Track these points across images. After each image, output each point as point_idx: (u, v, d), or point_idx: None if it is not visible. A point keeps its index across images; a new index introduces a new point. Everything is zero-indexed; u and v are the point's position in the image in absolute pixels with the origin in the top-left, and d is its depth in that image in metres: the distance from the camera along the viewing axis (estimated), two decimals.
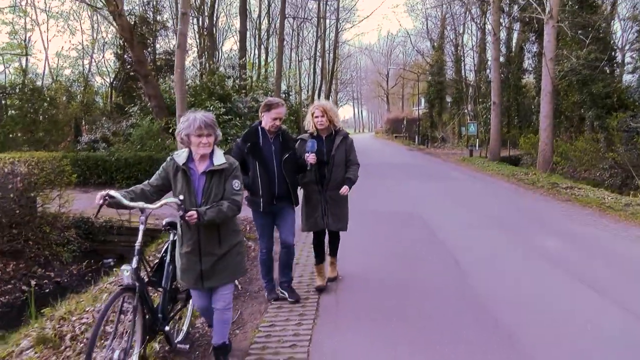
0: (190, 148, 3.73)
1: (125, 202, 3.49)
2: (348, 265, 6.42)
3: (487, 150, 27.46)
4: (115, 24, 17.77)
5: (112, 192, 3.48)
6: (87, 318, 4.91)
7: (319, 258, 5.83)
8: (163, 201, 3.65)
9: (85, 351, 3.20)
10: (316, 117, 5.38)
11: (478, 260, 6.85)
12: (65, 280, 9.38)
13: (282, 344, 4.33)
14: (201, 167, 3.74)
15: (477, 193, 13.89)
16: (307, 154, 5.10)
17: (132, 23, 17.96)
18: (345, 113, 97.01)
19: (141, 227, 3.57)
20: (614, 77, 24.10)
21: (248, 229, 8.64)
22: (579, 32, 21.26)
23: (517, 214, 10.57)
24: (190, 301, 4.47)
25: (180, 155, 3.75)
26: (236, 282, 5.99)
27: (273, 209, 5.16)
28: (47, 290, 8.72)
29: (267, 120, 5.00)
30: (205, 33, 27.52)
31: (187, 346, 4.28)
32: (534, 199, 12.75)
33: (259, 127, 5.11)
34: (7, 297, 8.13)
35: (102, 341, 3.93)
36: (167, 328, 3.97)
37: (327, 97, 47.94)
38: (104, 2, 18.08)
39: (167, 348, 4.16)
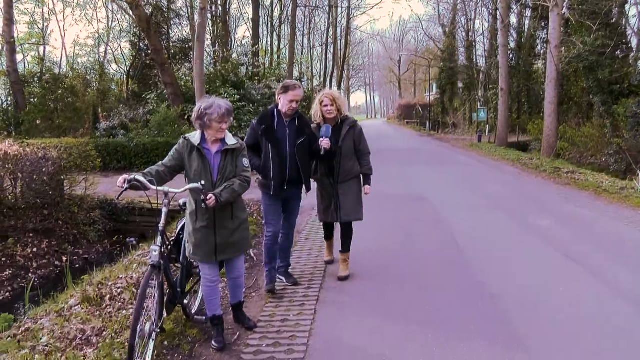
0: (203, 131, 3.94)
1: (152, 185, 3.71)
2: (357, 238, 6.19)
3: (495, 136, 27.85)
4: (132, 15, 18.28)
5: (137, 176, 3.69)
6: (122, 283, 5.59)
7: (328, 232, 5.95)
8: (186, 187, 3.87)
9: (131, 326, 3.46)
10: (325, 105, 5.29)
11: (474, 237, 7.46)
12: (93, 257, 10.10)
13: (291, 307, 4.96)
14: (214, 147, 3.97)
15: (482, 177, 14.45)
16: (321, 139, 5.02)
17: (149, 13, 18.39)
18: (357, 99, 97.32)
19: (164, 210, 3.80)
20: (628, 61, 24.22)
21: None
22: (590, 17, 21.52)
23: (517, 196, 11.14)
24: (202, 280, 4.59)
25: (194, 137, 3.96)
26: (252, 253, 6.66)
27: (282, 194, 5.11)
28: (77, 266, 9.46)
29: (284, 103, 4.97)
30: (219, 21, 27.98)
31: (204, 317, 4.44)
32: (535, 182, 13.30)
33: (275, 110, 5.08)
34: (43, 270, 8.89)
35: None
36: (185, 301, 4.33)
37: (339, 84, 48.42)
38: None
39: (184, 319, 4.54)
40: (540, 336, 4.10)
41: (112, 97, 29.25)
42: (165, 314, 4.08)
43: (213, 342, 4.12)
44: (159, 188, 3.76)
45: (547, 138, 19.91)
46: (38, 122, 22.50)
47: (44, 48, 34.56)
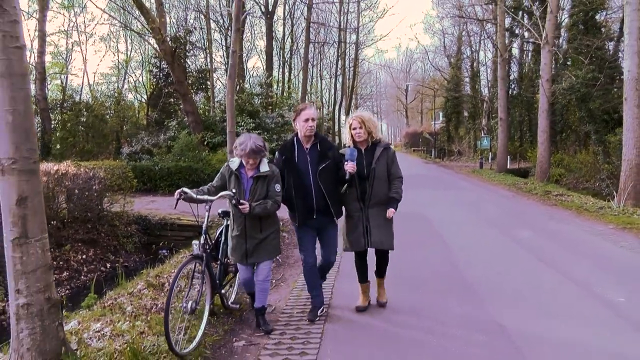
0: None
1: (195, 196, 4.64)
2: None
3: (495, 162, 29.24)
4: (159, 49, 19.97)
5: (186, 189, 4.66)
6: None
7: (362, 276, 5.49)
8: (220, 194, 4.74)
9: (166, 296, 4.44)
10: (354, 128, 5.10)
11: (464, 245, 8.81)
12: (132, 265, 11.49)
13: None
14: (250, 172, 4.74)
15: (478, 199, 15.81)
16: (346, 162, 4.89)
17: (174, 48, 20.10)
18: None
19: (206, 214, 4.69)
20: (619, 93, 25.63)
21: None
22: (584, 51, 22.99)
23: (507, 214, 12.49)
24: (238, 273, 5.51)
25: (234, 162, 4.78)
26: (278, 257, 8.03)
27: (314, 224, 5.08)
28: (119, 272, 10.84)
29: (301, 126, 4.93)
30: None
31: (237, 305, 5.51)
32: (526, 203, 14.66)
33: (295, 139, 5.06)
34: (92, 274, 10.26)
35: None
36: (223, 291, 5.27)
37: (347, 112, 50.03)
38: (149, 30, 20.40)
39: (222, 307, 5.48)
40: (500, 297, 5.43)
41: (130, 124, 31.04)
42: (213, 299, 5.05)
43: (262, 328, 4.96)
44: (199, 197, 4.65)
45: (540, 164, 21.34)
46: (69, 146, 24.24)
47: (67, 77, 36.61)
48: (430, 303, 5.67)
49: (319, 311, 5.24)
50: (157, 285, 6.52)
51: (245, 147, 4.55)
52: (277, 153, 5.19)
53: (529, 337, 4.62)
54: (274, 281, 6.77)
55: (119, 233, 11.99)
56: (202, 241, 4.67)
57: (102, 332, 4.85)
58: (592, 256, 7.90)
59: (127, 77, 39.92)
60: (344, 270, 6.92)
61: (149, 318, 5.16)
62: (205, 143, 21.52)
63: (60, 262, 9.91)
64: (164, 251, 12.96)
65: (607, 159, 21.94)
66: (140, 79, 36.93)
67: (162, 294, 6.15)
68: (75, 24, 35.75)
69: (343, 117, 52.91)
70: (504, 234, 9.70)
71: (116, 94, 33.94)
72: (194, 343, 4.44)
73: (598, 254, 8.12)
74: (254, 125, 22.02)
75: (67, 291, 9.29)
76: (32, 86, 29.55)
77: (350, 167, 4.85)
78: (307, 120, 4.89)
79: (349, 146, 5.13)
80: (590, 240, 9.15)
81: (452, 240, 9.19)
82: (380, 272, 5.55)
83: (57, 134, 25.37)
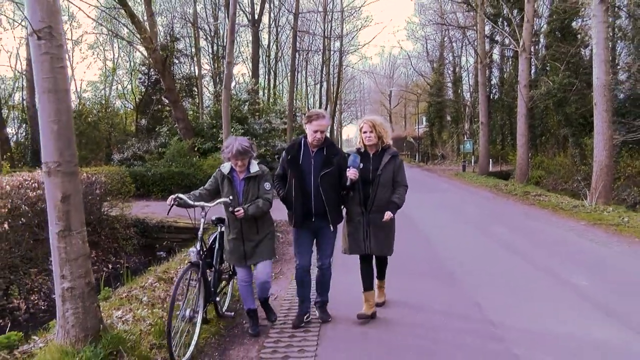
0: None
1: (190, 202, 4.65)
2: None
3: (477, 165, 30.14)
4: (150, 58, 20.51)
5: (181, 195, 4.67)
6: (178, 272, 7.56)
7: (366, 284, 5.35)
8: (217, 201, 4.82)
9: (168, 308, 4.46)
10: (364, 132, 5.07)
11: (443, 239, 9.58)
12: (132, 266, 12.02)
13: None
14: (241, 175, 4.85)
15: (459, 200, 16.62)
16: (348, 169, 4.88)
17: (164, 57, 20.65)
18: (349, 132, 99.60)
19: (202, 220, 4.79)
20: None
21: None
22: (561, 58, 23.94)
23: (485, 213, 13.27)
24: (232, 280, 5.73)
25: (225, 167, 4.87)
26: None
27: (311, 226, 5.04)
28: (121, 272, 11.39)
29: (309, 133, 4.91)
30: (223, 61, 30.31)
31: (232, 313, 5.48)
32: (505, 203, 15.47)
33: (303, 140, 5.04)
34: (96, 274, 10.74)
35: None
36: (217, 299, 5.21)
37: (332, 118, 50.77)
38: (139, 38, 20.93)
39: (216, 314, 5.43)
40: (477, 283, 6.12)
41: (118, 131, 31.41)
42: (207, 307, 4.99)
43: (249, 330, 5.05)
44: (196, 203, 4.70)
45: (519, 166, 22.20)
46: None
47: None
48: (416, 287, 6.37)
49: (305, 317, 5.25)
50: (166, 279, 7.13)
51: (232, 148, 4.66)
52: (284, 151, 5.17)
53: (500, 311, 5.36)
54: (273, 274, 7.37)
55: (118, 236, 12.50)
56: (197, 248, 4.72)
57: (125, 318, 5.45)
58: (562, 248, 8.66)
59: (114, 84, 40.32)
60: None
61: (164, 306, 5.76)
62: (196, 149, 22.05)
63: None
64: (162, 253, 13.54)
65: (583, 160, 22.90)
66: (129, 86, 37.26)
67: (173, 286, 6.75)
68: (63, 32, 36.00)
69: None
70: (482, 232, 10.42)
71: (103, 101, 34.32)
72: (189, 352, 4.48)
73: (567, 246, 8.89)
74: (242, 131, 22.57)
75: None
76: (24, 94, 30.10)
77: (352, 174, 4.83)
78: (316, 131, 4.85)
79: (359, 149, 5.16)
80: (562, 235, 9.91)
81: (435, 238, 9.88)
82: (381, 274, 5.68)
83: None
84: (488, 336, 4.74)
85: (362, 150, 5.14)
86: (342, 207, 5.23)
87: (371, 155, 5.11)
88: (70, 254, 4.24)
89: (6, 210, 8.47)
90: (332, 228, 5.05)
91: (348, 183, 4.87)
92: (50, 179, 4.19)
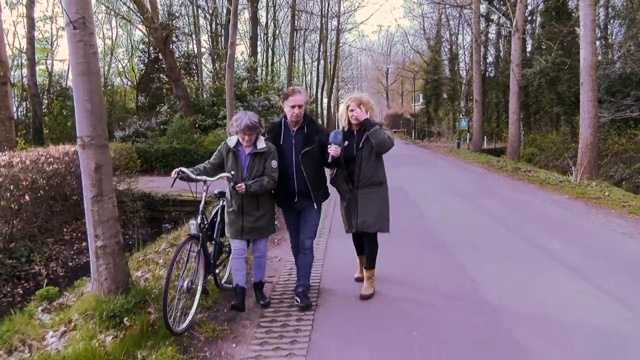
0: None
1: (193, 176, 4.64)
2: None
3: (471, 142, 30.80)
4: (151, 37, 20.93)
5: (184, 168, 4.64)
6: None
7: (359, 249, 5.53)
8: (219, 175, 4.77)
9: (165, 276, 4.53)
10: (351, 110, 4.98)
11: (434, 210, 10.26)
12: (140, 237, 12.68)
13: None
14: (247, 150, 4.78)
15: (452, 175, 17.31)
16: (329, 145, 4.87)
17: (165, 35, 21.07)
18: None
19: (203, 194, 4.77)
20: None
21: None
22: (554, 37, 24.44)
23: (476, 187, 13.94)
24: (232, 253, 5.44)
25: (231, 140, 4.83)
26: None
27: (295, 207, 5.07)
28: (130, 242, 12.05)
29: (287, 110, 4.89)
30: (223, 41, 30.62)
31: (230, 285, 5.28)
32: (495, 178, 16.17)
33: (283, 121, 5.04)
34: None
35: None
36: (217, 271, 5.31)
37: (329, 95, 51.16)
38: (140, 17, 21.33)
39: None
40: (462, 248, 6.80)
41: (118, 108, 31.83)
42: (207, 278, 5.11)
43: (232, 302, 4.92)
44: (198, 177, 4.68)
45: (511, 143, 22.87)
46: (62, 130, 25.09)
47: (52, 62, 37.17)
48: (407, 253, 7.03)
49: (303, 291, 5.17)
50: (178, 244, 7.78)
51: (241, 123, 4.63)
52: (267, 132, 5.18)
53: (482, 272, 6.04)
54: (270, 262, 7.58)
55: (126, 209, 13.14)
56: (198, 221, 4.72)
57: (145, 277, 6.13)
58: (543, 219, 9.35)
59: (113, 62, 40.58)
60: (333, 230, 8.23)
61: (178, 266, 6.40)
62: (197, 126, 22.59)
63: (79, 234, 11.06)
64: (167, 225, 14.21)
65: (574, 138, 23.50)
66: (128, 64, 37.57)
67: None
68: (61, 9, 36.17)
69: (325, 100, 54.09)
70: (470, 203, 11.09)
71: (103, 79, 34.65)
72: (187, 321, 4.52)
73: (547, 216, 9.60)
74: (242, 108, 23.04)
75: (88, 258, 10.46)
76: (24, 72, 30.45)
77: (332, 150, 4.82)
78: (293, 106, 4.83)
79: (343, 127, 5.14)
80: (544, 207, 10.59)
81: (426, 208, 10.55)
82: (370, 261, 5.31)
83: (47, 119, 26.15)
84: (471, 292, 5.42)
85: (346, 129, 5.12)
86: (328, 185, 5.26)
87: (355, 132, 5.06)
88: (102, 216, 4.89)
89: (27, 183, 9.07)
90: (315, 206, 5.03)
91: (329, 160, 4.87)
92: (84, 151, 4.80)
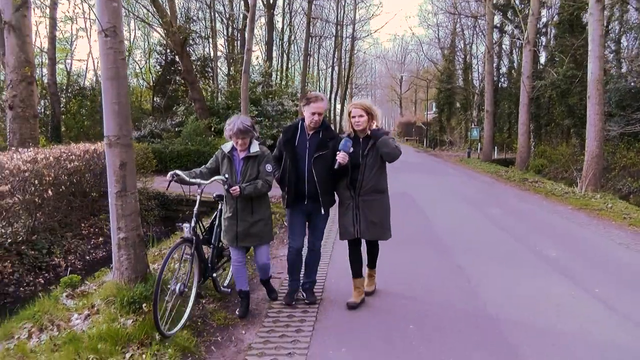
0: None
1: (187, 179, 4.78)
2: None
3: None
4: (169, 40, 21.44)
5: (178, 172, 4.77)
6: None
7: (355, 270, 5.35)
8: (213, 178, 4.86)
9: (156, 277, 4.49)
10: (353, 116, 5.01)
11: (440, 215, 10.61)
12: (154, 235, 13.10)
13: None
14: (241, 154, 4.86)
15: (460, 183, 17.62)
16: (338, 152, 4.86)
17: (183, 39, 21.57)
18: None
19: (198, 198, 4.89)
20: None
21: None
22: (566, 50, 24.63)
23: (482, 196, 14.24)
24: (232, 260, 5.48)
25: (227, 146, 4.92)
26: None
27: (305, 208, 5.11)
28: (145, 239, 12.47)
29: (307, 115, 4.97)
30: (239, 46, 31.12)
31: (229, 290, 5.45)
32: (503, 188, 16.44)
33: (300, 123, 5.11)
34: None
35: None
36: (214, 275, 5.32)
37: (343, 102, 51.58)
38: (159, 20, 21.85)
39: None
40: (464, 251, 7.11)
41: (134, 108, 32.33)
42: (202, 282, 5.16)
43: (237, 311, 5.07)
44: (193, 180, 4.80)
45: (520, 154, 23.14)
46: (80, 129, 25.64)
47: (71, 62, 37.98)
48: (412, 254, 7.37)
49: (295, 295, 5.38)
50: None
51: (233, 127, 4.70)
52: (281, 133, 5.24)
53: (477, 272, 6.40)
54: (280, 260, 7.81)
55: (141, 207, 13.54)
56: (192, 224, 4.79)
57: None
58: (544, 227, 9.63)
59: (130, 63, 41.19)
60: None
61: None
62: (212, 128, 23.03)
63: (96, 229, 11.51)
64: (180, 224, 14.58)
65: (582, 150, 23.64)
66: (146, 65, 38.21)
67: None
68: (82, 10, 37.00)
69: (338, 106, 54.48)
70: (476, 210, 11.41)
71: None
72: (179, 325, 4.54)
73: (548, 225, 9.89)
74: (256, 112, 23.52)
75: (104, 253, 10.89)
76: (44, 71, 31.13)
77: (341, 157, 4.81)
78: (314, 113, 4.91)
79: (349, 134, 5.10)
80: (548, 217, 10.87)
81: (432, 214, 10.89)
82: (371, 262, 5.54)
83: (65, 118, 26.72)
84: (467, 292, 5.75)
85: (352, 135, 5.08)
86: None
87: (361, 139, 5.05)
88: (125, 210, 5.28)
89: (50, 178, 9.52)
90: (323, 211, 5.08)
91: (336, 166, 4.87)
92: (110, 150, 5.20)
